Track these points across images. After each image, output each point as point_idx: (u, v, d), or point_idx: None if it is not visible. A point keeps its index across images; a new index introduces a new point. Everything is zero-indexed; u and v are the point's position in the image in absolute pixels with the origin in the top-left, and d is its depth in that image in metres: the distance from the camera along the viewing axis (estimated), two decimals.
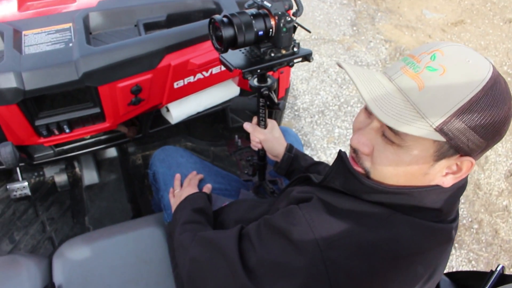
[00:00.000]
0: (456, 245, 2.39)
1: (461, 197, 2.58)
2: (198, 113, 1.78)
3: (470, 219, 2.53)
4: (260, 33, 0.98)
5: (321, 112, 2.99)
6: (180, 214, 1.18)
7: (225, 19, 0.96)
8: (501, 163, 2.85)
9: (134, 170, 2.28)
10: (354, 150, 0.83)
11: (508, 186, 2.73)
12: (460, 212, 2.55)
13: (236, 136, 1.55)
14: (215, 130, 2.30)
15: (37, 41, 1.41)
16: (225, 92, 1.79)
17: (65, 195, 2.15)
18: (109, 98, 1.41)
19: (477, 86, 0.68)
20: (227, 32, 0.95)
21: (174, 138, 2.36)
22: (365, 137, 0.80)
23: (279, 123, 2.12)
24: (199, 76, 1.52)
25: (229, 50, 1.02)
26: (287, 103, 3.01)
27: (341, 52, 3.48)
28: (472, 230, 2.47)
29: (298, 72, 3.27)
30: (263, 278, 0.81)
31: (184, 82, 1.50)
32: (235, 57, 1.06)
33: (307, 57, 1.08)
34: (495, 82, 0.69)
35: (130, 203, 1.98)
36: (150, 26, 1.53)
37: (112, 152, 2.15)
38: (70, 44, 1.38)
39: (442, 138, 0.70)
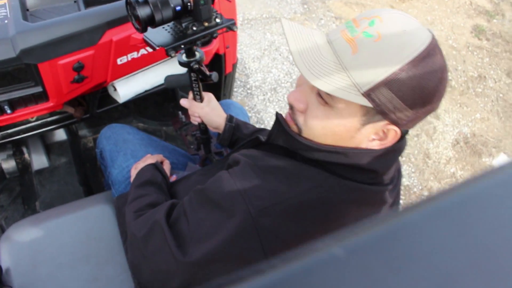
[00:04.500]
0: None
1: (412, 166, 2.67)
2: (146, 91, 1.77)
3: (420, 187, 2.63)
4: (178, 8, 0.98)
5: (274, 90, 3.01)
6: (129, 192, 1.18)
7: None
8: (448, 132, 2.96)
9: (85, 153, 2.25)
10: (291, 107, 0.85)
11: (455, 154, 2.84)
12: (411, 181, 2.64)
13: (180, 112, 1.55)
14: (166, 109, 2.29)
15: None
16: (173, 69, 1.78)
17: (15, 182, 2.09)
18: (50, 76, 1.38)
19: (408, 56, 0.68)
20: (143, 11, 0.95)
21: (125, 119, 2.34)
22: (301, 94, 0.82)
23: (229, 97, 2.13)
24: (142, 51, 1.51)
25: (151, 29, 1.01)
26: (239, 82, 3.02)
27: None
28: (422, 197, 2.56)
29: (250, 51, 3.27)
30: (191, 245, 0.83)
31: (127, 58, 1.49)
32: (158, 35, 1.05)
33: (230, 27, 1.09)
34: (429, 54, 0.70)
35: (81, 185, 1.96)
36: (90, 2, 1.51)
37: (61, 135, 2.11)
38: (6, 21, 1.34)
39: (369, 104, 0.72)
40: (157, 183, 1.17)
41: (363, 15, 0.75)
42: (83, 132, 2.29)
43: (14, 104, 1.44)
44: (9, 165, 2.09)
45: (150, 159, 1.30)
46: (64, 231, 1.38)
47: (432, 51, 0.70)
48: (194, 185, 1.02)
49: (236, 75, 3.07)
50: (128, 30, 1.41)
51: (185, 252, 0.83)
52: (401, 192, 2.55)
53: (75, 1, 1.51)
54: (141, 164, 1.28)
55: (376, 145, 0.79)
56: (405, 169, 2.71)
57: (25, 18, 1.35)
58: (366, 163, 0.80)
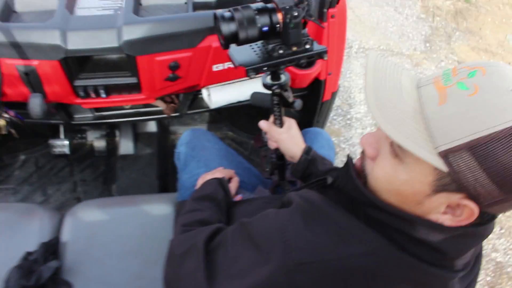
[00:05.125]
0: None
1: (510, 243, 2.38)
2: (239, 102, 1.75)
3: None
4: (265, 29, 0.92)
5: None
6: (187, 202, 1.17)
7: (226, 14, 0.91)
8: None
9: (171, 149, 2.30)
10: (362, 151, 0.76)
11: None
12: (506, 259, 2.34)
13: (263, 131, 1.52)
14: (257, 123, 2.26)
15: (90, 5, 1.44)
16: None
17: (101, 161, 2.20)
18: (146, 70, 1.41)
19: (509, 121, 0.56)
20: (227, 28, 0.91)
21: (217, 124, 2.36)
22: (374, 139, 0.73)
23: (322, 126, 2.05)
24: None
25: (238, 46, 0.97)
26: (340, 110, 2.93)
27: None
28: None
29: (359, 81, 3.17)
30: (221, 279, 0.77)
31: (223, 66, 1.48)
32: (243, 52, 1.01)
33: (321, 55, 1.01)
34: None
35: (158, 179, 2.00)
36: (199, 6, 1.52)
37: (152, 127, 2.17)
38: (119, 12, 1.39)
39: (444, 168, 0.60)
40: (216, 199, 1.13)
41: (467, 64, 0.63)
42: (174, 128, 2.34)
43: (110, 90, 1.49)
44: (100, 144, 2.20)
45: (219, 173, 1.27)
46: (124, 221, 1.40)
47: None
48: (255, 211, 0.97)
49: (339, 102, 2.98)
50: None
51: (212, 286, 0.78)
52: (491, 269, 2.29)
53: (185, 3, 1.53)
54: (209, 176, 1.26)
55: (447, 219, 0.66)
56: (501, 243, 2.41)
57: (136, 11, 1.39)
58: (436, 241, 0.67)
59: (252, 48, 1.02)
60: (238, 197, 1.29)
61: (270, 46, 0.97)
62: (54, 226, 1.40)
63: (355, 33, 3.53)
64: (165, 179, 2.07)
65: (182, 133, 2.30)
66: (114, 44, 1.33)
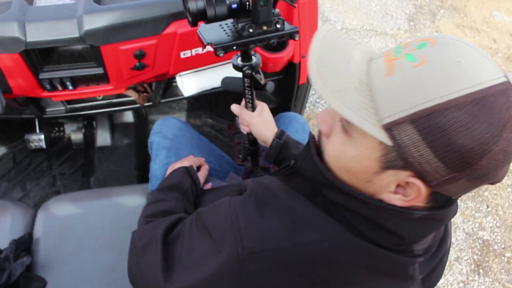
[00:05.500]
0: (480, 271, 2.20)
1: (498, 220, 2.37)
2: (214, 89, 1.73)
3: (503, 246, 2.32)
4: (234, 5, 0.90)
5: None
6: (155, 192, 1.15)
7: None
8: None
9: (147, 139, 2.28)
10: (319, 129, 0.74)
11: None
12: (492, 237, 2.34)
13: (237, 118, 1.49)
14: None
15: None
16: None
17: (79, 154, 2.17)
18: (111, 60, 1.38)
19: (452, 93, 0.53)
20: (193, 5, 0.88)
21: (195, 112, 2.33)
22: (329, 116, 0.70)
23: (300, 110, 2.03)
24: (208, 48, 1.46)
25: (206, 24, 0.95)
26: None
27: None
28: (503, 258, 2.26)
29: None
30: (177, 271, 0.76)
31: (191, 52, 1.45)
32: (212, 32, 0.99)
33: (292, 35, 0.99)
34: (487, 100, 0.53)
35: (136, 170, 1.98)
36: None
37: (129, 117, 2.15)
38: (80, 1, 1.36)
39: (388, 141, 0.58)
40: (182, 189, 1.11)
41: (421, 37, 0.61)
42: (152, 117, 2.32)
43: (76, 82, 1.46)
44: (77, 137, 2.18)
45: (187, 161, 1.25)
46: (98, 214, 1.39)
47: (495, 97, 0.54)
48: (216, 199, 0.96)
49: None
50: None
51: (168, 277, 0.76)
52: (478, 247, 2.28)
53: None
54: (177, 165, 1.24)
55: (398, 199, 0.64)
56: (488, 221, 2.40)
57: (97, 0, 1.35)
58: (391, 224, 0.65)
59: (222, 27, 1.00)
60: (208, 185, 1.28)
61: (240, 25, 0.95)
62: (27, 222, 1.39)
63: (338, 14, 3.49)
64: (144, 169, 2.04)
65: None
66: (75, 34, 1.30)
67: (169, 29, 1.36)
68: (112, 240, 1.33)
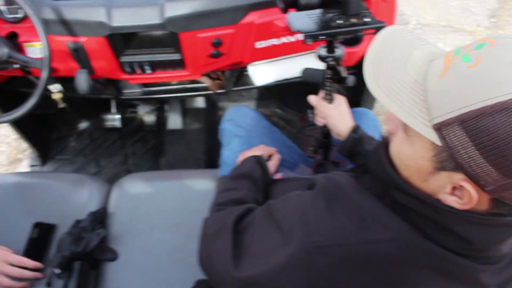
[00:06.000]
0: None
1: None
2: (286, 80, 1.74)
3: None
4: None
5: None
6: (224, 180, 1.18)
7: None
8: None
9: (218, 125, 2.33)
10: None
11: None
12: None
13: (309, 110, 1.50)
14: (305, 102, 2.24)
15: None
16: (316, 63, 1.72)
17: (151, 135, 2.27)
18: (189, 47, 1.43)
19: (501, 95, 0.52)
20: None
21: (265, 101, 2.36)
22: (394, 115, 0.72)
23: (370, 106, 2.01)
24: (283, 40, 1.47)
25: (295, 13, 0.97)
26: None
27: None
28: None
29: None
30: (246, 259, 0.79)
31: (267, 43, 1.47)
32: (300, 20, 1.01)
33: (379, 30, 0.99)
34: None
35: (205, 155, 2.04)
36: None
37: (200, 102, 2.21)
38: None
39: (438, 142, 0.58)
40: (253, 178, 1.13)
41: (485, 37, 0.59)
42: (222, 104, 2.37)
43: (154, 66, 1.52)
44: (150, 119, 2.27)
45: (258, 150, 1.28)
46: (168, 195, 1.45)
47: None
48: (287, 191, 0.98)
49: None
50: (272, 15, 1.39)
51: (238, 265, 0.80)
52: None
53: None
54: (248, 153, 1.27)
55: (454, 201, 0.63)
56: None
57: None
58: (459, 228, 0.65)
59: (310, 17, 1.02)
60: (278, 175, 1.29)
61: (329, 16, 0.96)
62: (102, 197, 1.47)
63: (413, 8, 3.39)
64: (211, 155, 2.10)
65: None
66: (157, 21, 1.35)
67: (246, 19, 1.38)
68: (181, 221, 1.38)
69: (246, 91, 2.11)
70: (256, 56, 1.52)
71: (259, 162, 1.20)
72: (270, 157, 1.31)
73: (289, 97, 2.31)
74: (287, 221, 0.76)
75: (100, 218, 1.39)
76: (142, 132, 2.29)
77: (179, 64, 1.51)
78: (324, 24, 0.99)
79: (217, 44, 1.42)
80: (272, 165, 1.27)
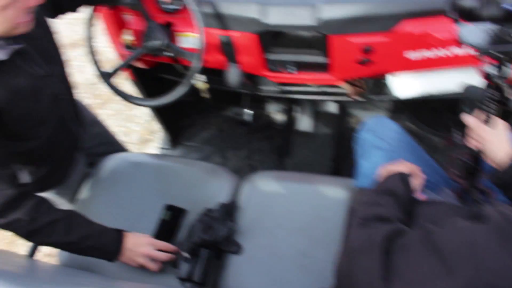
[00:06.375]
0: None
1: None
2: (430, 95, 1.64)
3: None
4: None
5: None
6: (367, 193, 1.14)
7: None
8: None
9: (348, 132, 2.27)
10: None
11: None
12: None
13: (454, 130, 1.40)
14: (442, 119, 2.11)
15: None
16: (466, 79, 1.60)
17: (278, 134, 2.28)
18: (338, 51, 1.40)
19: None
20: (467, 2, 0.83)
21: (397, 113, 2.25)
22: None
23: None
24: (437, 52, 1.39)
25: (470, 25, 0.89)
26: None
27: None
28: None
29: None
30: (397, 284, 0.74)
31: (418, 54, 1.39)
32: (474, 33, 0.93)
33: None
34: None
35: (332, 161, 2.00)
36: None
37: (332, 107, 2.17)
38: None
39: None
40: (397, 195, 1.08)
41: None
42: (352, 110, 2.31)
43: (299, 67, 1.52)
44: (279, 118, 2.28)
45: (403, 167, 1.21)
46: (298, 197, 1.43)
47: None
48: (440, 217, 0.91)
49: None
50: (427, 25, 1.32)
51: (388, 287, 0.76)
52: None
53: None
54: (391, 168, 1.21)
55: None
56: None
57: None
58: None
59: (484, 30, 0.94)
60: (420, 196, 1.22)
61: (504, 30, 0.89)
62: (233, 190, 1.50)
63: None
64: (338, 161, 2.06)
65: (360, 116, 2.27)
66: (310, 22, 1.35)
67: (400, 27, 1.32)
68: (309, 226, 1.36)
69: (379, 101, 2.04)
70: (404, 66, 1.45)
71: (404, 179, 1.14)
72: (412, 175, 1.24)
73: (424, 112, 2.19)
74: (454, 253, 0.70)
75: (230, 210, 1.41)
76: (270, 130, 2.31)
77: (323, 67, 1.50)
78: (500, 40, 0.90)
79: (367, 50, 1.38)
80: (416, 184, 1.20)
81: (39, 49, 1.15)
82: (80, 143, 1.48)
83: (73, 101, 1.41)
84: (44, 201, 1.17)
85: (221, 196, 1.47)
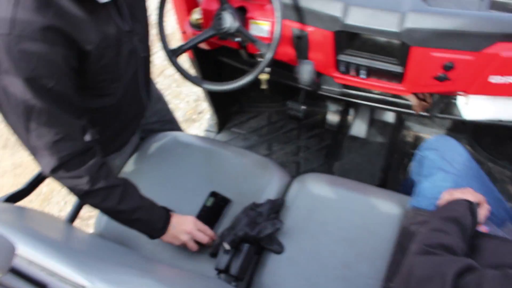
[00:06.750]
0: None
1: None
2: (500, 121, 1.56)
3: None
4: None
5: None
6: (430, 216, 1.09)
7: None
8: None
9: (400, 145, 2.19)
10: None
11: None
12: None
13: None
14: (505, 148, 2.01)
15: None
16: None
17: (329, 135, 2.22)
18: (417, 63, 1.33)
19: None
20: None
21: (456, 133, 2.16)
22: None
23: None
24: None
25: None
26: None
27: None
28: None
29: None
30: None
31: (503, 79, 1.30)
32: None
33: None
34: None
35: (382, 172, 1.93)
36: (496, 6, 1.35)
37: (389, 117, 2.09)
38: None
39: None
40: (463, 225, 1.02)
41: None
42: (409, 123, 2.23)
43: (370, 73, 1.46)
44: (333, 118, 2.22)
45: (470, 195, 1.14)
46: (348, 205, 1.39)
47: None
48: (508, 255, 0.86)
49: None
50: None
51: None
52: None
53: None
54: (457, 194, 1.15)
55: None
56: None
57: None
58: None
59: None
60: (483, 228, 1.16)
61: None
62: (282, 187, 1.46)
63: None
64: (387, 173, 1.99)
65: (417, 130, 2.18)
66: (394, 28, 1.28)
67: (491, 49, 1.24)
68: (356, 237, 1.31)
69: (443, 119, 1.95)
70: (484, 89, 1.37)
71: (472, 209, 1.08)
72: (479, 205, 1.18)
73: (486, 137, 2.09)
74: None
75: (277, 208, 1.38)
76: (320, 129, 2.25)
77: (396, 77, 1.43)
78: None
79: (448, 67, 1.30)
80: (481, 214, 1.14)
81: (128, 3, 1.16)
82: (145, 113, 1.48)
83: (148, 66, 1.41)
84: (106, 164, 1.17)
85: (269, 192, 1.44)
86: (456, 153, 1.33)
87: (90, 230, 2.15)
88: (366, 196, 1.39)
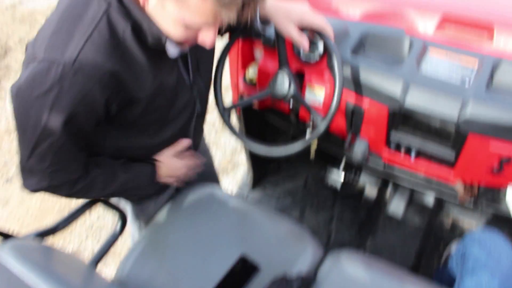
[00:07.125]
0: None
1: None
2: None
3: None
4: None
5: None
6: None
7: None
8: None
9: (437, 229, 2.10)
10: None
11: None
12: None
13: None
14: None
15: (437, 65, 1.35)
16: None
17: (365, 208, 2.15)
18: (472, 151, 1.28)
19: None
20: None
21: (497, 227, 2.06)
22: None
23: None
24: None
25: None
26: None
27: None
28: None
29: None
30: None
31: None
32: None
33: None
34: None
35: (416, 258, 1.84)
36: None
37: (429, 200, 2.02)
38: (466, 85, 1.27)
39: None
40: None
41: None
42: (449, 209, 2.14)
43: (420, 154, 1.41)
44: (371, 192, 2.15)
45: None
46: None
47: None
48: None
49: None
50: None
51: None
52: None
53: None
54: None
55: None
56: None
57: (488, 87, 1.26)
58: None
59: None
60: None
61: None
62: (315, 261, 1.38)
63: None
64: (421, 257, 1.90)
65: (456, 218, 2.09)
66: (453, 115, 1.23)
67: None
68: None
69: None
70: None
71: None
72: None
73: None
74: None
75: (307, 285, 1.30)
76: (356, 202, 2.19)
77: (447, 162, 1.37)
78: None
79: (504, 161, 1.24)
80: None
81: (196, 56, 1.17)
82: None
83: (202, 120, 1.40)
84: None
85: (301, 264, 1.36)
86: (504, 253, 1.26)
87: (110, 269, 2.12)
88: (402, 284, 1.30)
